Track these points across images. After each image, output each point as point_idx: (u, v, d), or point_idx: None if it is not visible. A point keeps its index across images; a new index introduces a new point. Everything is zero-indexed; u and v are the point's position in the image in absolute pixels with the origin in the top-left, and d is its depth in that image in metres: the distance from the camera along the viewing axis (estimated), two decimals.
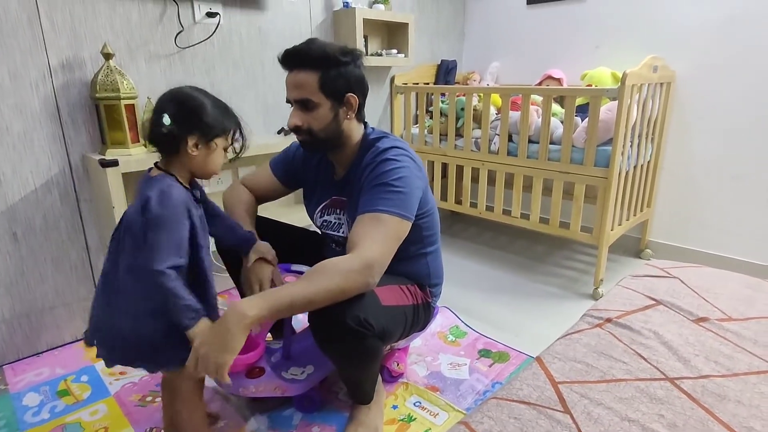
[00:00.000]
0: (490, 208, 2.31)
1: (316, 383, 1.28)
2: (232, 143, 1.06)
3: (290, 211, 1.57)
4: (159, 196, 0.94)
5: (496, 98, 2.35)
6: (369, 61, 2.33)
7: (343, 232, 1.30)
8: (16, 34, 1.46)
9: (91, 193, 1.69)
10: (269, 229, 1.41)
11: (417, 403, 1.36)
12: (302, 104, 1.15)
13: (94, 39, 1.60)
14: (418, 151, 2.52)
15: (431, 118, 2.47)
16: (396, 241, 1.10)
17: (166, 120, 0.95)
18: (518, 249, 2.55)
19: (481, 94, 2.23)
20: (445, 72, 2.75)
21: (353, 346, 1.07)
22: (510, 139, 2.16)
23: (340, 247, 1.33)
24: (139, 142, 1.66)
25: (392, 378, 1.45)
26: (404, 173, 1.13)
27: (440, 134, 2.43)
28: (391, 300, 1.17)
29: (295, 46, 1.14)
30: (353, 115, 1.20)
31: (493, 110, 2.27)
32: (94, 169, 1.59)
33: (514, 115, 2.11)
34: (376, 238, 1.05)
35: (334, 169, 1.32)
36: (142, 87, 1.74)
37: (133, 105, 1.62)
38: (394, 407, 1.34)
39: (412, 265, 1.30)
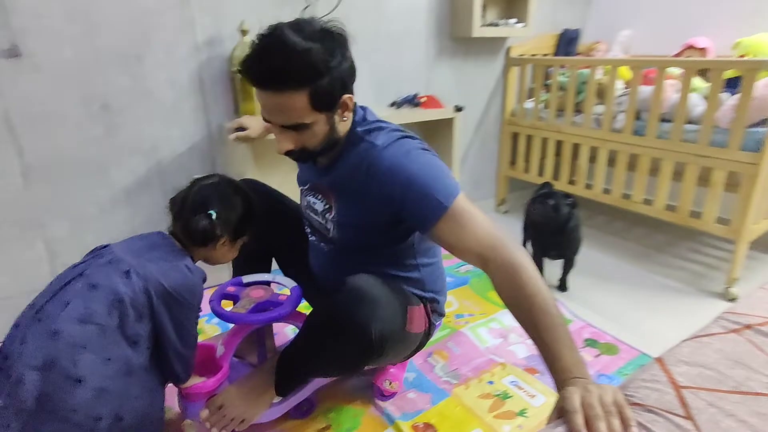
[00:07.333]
0: (607, 191, 2.15)
1: (291, 407, 1.19)
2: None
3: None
4: (200, 286, 0.95)
5: (624, 71, 2.15)
6: (483, 33, 2.22)
7: (318, 218, 1.19)
8: (166, 15, 1.63)
9: (224, 159, 1.89)
10: (266, 199, 1.28)
11: (513, 383, 1.35)
12: (292, 128, 0.96)
13: (233, 17, 1.74)
14: (530, 127, 2.42)
15: (548, 92, 2.33)
16: (479, 214, 0.96)
17: (213, 216, 0.97)
18: (635, 236, 2.36)
19: (608, 67, 2.05)
20: (567, 42, 2.56)
21: (346, 351, 0.99)
22: (637, 117, 1.98)
23: (314, 234, 1.24)
24: None
25: (383, 397, 1.30)
26: (427, 160, 1.02)
27: (557, 109, 2.30)
28: (415, 327, 1.11)
29: (269, 61, 0.89)
30: (350, 115, 1.05)
31: (620, 85, 2.08)
32: (227, 137, 1.76)
33: (645, 90, 1.91)
34: (474, 230, 0.93)
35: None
36: None
37: None
38: (490, 383, 1.35)
39: (406, 280, 1.19)
